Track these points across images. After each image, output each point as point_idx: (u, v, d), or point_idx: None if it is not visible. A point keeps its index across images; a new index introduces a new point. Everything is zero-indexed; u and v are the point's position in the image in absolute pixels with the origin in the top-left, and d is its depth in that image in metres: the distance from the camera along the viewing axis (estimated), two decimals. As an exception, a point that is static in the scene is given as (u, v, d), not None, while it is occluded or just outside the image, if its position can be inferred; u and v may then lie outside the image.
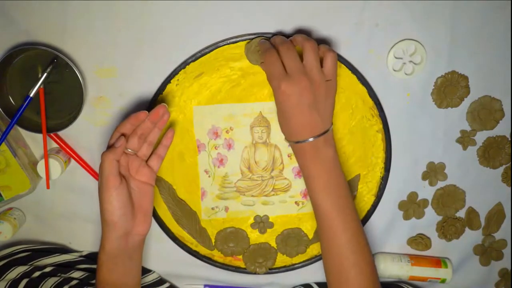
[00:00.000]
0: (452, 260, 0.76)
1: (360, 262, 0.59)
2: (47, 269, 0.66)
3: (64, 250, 0.71)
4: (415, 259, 0.73)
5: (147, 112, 0.58)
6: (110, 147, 0.57)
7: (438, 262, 0.73)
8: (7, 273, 0.64)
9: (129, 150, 0.59)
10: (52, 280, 0.64)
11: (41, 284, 0.63)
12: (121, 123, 0.58)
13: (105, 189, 0.56)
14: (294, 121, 0.57)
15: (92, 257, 0.71)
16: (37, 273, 0.65)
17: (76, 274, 0.67)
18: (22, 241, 0.71)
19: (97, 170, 0.68)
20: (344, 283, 0.59)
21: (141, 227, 0.60)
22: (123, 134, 0.58)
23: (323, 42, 0.64)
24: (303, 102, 0.56)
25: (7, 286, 0.62)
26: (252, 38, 0.64)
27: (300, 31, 0.64)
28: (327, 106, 0.59)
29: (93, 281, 0.67)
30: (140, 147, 0.60)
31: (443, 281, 0.73)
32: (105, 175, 0.56)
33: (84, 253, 0.71)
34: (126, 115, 0.66)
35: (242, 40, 0.64)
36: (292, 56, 0.56)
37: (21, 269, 0.64)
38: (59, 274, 0.66)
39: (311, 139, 0.57)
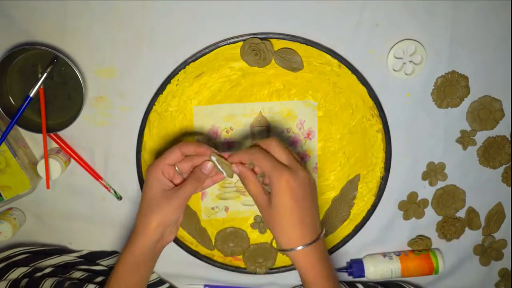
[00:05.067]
0: (452, 260, 0.76)
1: None
2: (47, 270, 0.66)
3: (64, 251, 0.71)
4: (403, 254, 0.73)
5: (215, 151, 0.56)
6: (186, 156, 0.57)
7: (427, 253, 0.74)
8: (8, 273, 0.64)
9: (177, 169, 0.57)
10: (51, 280, 0.64)
11: (41, 284, 0.63)
12: (185, 144, 0.57)
13: (179, 205, 0.56)
14: (292, 219, 0.52)
15: (91, 258, 0.71)
16: (38, 274, 0.65)
17: (76, 274, 0.67)
18: (21, 243, 0.71)
19: (97, 170, 0.68)
20: None
21: (171, 236, 0.60)
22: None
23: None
24: (306, 195, 0.52)
25: (7, 286, 0.62)
26: (246, 39, 0.64)
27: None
28: (318, 208, 0.55)
29: (95, 280, 0.67)
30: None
31: (436, 271, 0.73)
32: (187, 197, 0.56)
33: (83, 253, 0.71)
34: (124, 115, 0.67)
35: (242, 40, 0.64)
36: (287, 149, 0.54)
37: (21, 270, 0.65)
38: (59, 275, 0.66)
39: (304, 247, 0.52)
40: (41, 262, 0.67)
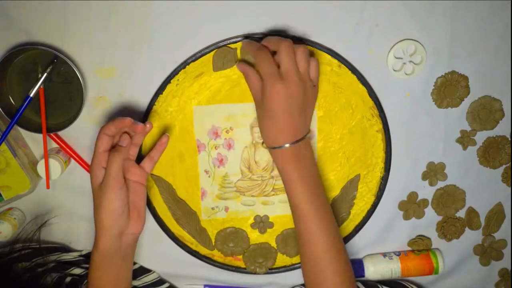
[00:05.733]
0: (452, 260, 0.76)
1: (336, 260, 0.60)
2: (49, 266, 0.66)
3: (64, 249, 0.71)
4: (403, 253, 0.74)
5: (132, 120, 0.57)
6: (114, 147, 0.58)
7: (427, 253, 0.74)
8: (10, 268, 0.64)
9: None
10: (53, 275, 0.64)
11: (43, 279, 0.63)
12: (105, 125, 0.58)
13: (110, 189, 0.56)
14: (280, 123, 0.57)
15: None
16: (39, 270, 0.65)
17: (77, 271, 0.67)
18: (22, 240, 0.71)
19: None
20: (321, 282, 0.60)
21: (135, 226, 0.60)
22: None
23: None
24: (294, 104, 0.56)
25: (9, 281, 0.62)
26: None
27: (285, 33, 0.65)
28: (311, 112, 0.60)
29: None
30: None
31: (436, 271, 0.73)
32: (113, 176, 0.56)
33: (83, 253, 0.71)
34: (124, 115, 0.66)
35: (242, 40, 0.64)
36: (291, 56, 0.56)
37: (23, 265, 0.65)
38: (61, 271, 0.66)
39: (290, 145, 0.58)
40: (42, 258, 0.67)
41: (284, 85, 0.55)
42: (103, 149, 0.58)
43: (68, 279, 0.64)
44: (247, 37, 0.64)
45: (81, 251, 0.71)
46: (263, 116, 0.59)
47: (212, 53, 0.64)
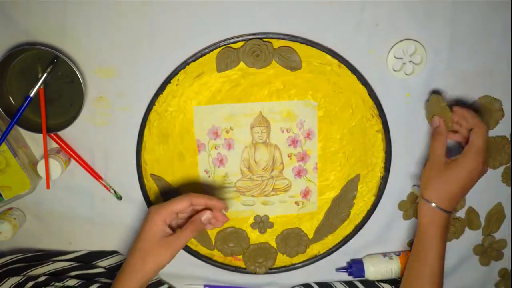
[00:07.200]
0: (452, 260, 0.76)
1: None
2: (41, 279, 0.65)
3: (59, 254, 0.70)
4: (403, 253, 0.74)
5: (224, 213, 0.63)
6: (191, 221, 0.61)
7: None
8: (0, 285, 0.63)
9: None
10: None
11: None
12: (197, 196, 0.61)
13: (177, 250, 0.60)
14: (454, 190, 0.64)
15: (90, 258, 0.71)
16: (30, 284, 0.64)
17: (71, 282, 0.66)
18: (20, 248, 0.71)
19: (97, 170, 0.68)
20: None
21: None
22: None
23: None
24: (474, 181, 0.64)
25: None
26: (248, 39, 0.64)
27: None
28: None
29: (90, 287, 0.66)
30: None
31: None
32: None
33: (81, 253, 0.71)
34: (124, 115, 0.67)
35: (242, 40, 0.64)
36: (486, 139, 0.63)
37: (14, 280, 0.63)
38: (52, 283, 0.65)
39: (443, 210, 0.64)
40: (34, 269, 0.67)
41: (482, 163, 0.63)
42: (176, 211, 0.60)
43: None
44: (251, 38, 0.64)
45: (78, 251, 0.71)
46: (439, 175, 0.64)
47: (213, 53, 0.64)
